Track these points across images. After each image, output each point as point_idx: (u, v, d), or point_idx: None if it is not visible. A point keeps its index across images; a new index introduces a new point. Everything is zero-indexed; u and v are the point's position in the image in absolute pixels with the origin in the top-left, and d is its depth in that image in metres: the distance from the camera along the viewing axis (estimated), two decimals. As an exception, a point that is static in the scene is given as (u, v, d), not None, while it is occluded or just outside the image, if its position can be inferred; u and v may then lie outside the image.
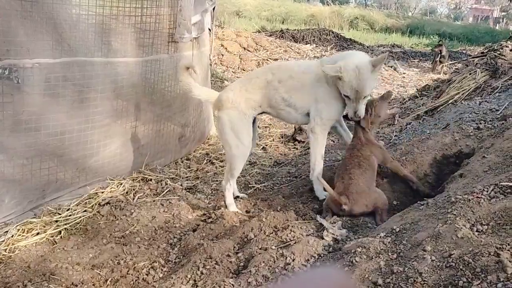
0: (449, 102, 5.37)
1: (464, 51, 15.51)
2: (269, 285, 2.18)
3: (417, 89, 7.52)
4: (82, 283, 2.49)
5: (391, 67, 11.41)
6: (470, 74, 5.78)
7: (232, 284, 2.26)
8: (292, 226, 2.75)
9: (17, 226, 2.98)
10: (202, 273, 2.42)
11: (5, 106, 2.84)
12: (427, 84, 7.69)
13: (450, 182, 2.93)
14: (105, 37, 3.43)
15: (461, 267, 1.85)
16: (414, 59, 13.01)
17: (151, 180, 3.87)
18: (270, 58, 10.75)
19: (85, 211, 3.28)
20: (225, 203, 3.32)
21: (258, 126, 5.98)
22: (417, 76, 10.95)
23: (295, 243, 2.53)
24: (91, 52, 3.31)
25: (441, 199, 2.54)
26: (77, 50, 3.20)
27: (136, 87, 3.72)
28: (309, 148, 5.02)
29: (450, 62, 11.66)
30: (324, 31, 15.19)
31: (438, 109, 5.35)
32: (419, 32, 22.26)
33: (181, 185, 3.83)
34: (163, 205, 3.46)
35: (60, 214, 3.19)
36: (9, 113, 2.89)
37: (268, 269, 2.33)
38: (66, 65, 3.12)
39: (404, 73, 11.14)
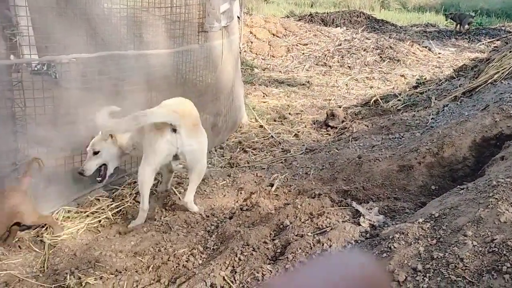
0: (488, 82, 5.17)
1: (503, 28, 14.76)
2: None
3: (453, 70, 7.26)
4: (126, 270, 2.58)
5: (426, 47, 11.04)
6: (510, 52, 5.53)
7: (270, 270, 2.29)
8: (327, 213, 2.75)
9: (61, 216, 3.11)
10: (240, 259, 2.46)
11: (45, 101, 2.95)
12: (464, 64, 7.41)
13: (491, 165, 2.85)
14: (137, 30, 3.50)
15: (504, 252, 1.81)
16: (450, 38, 12.52)
17: (186, 169, 3.92)
18: (299, 43, 10.62)
19: (124, 200, 3.39)
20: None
21: (289, 113, 5.96)
22: (453, 56, 10.56)
23: (331, 229, 2.53)
24: (124, 45, 3.38)
25: (481, 183, 2.47)
26: (111, 44, 3.28)
27: (168, 78, 3.78)
28: (341, 134, 5.00)
29: (488, 40, 11.23)
30: (354, 13, 14.78)
31: (477, 90, 5.16)
32: (454, 9, 21.35)
33: (216, 173, 3.88)
34: (198, 193, 3.52)
35: (101, 203, 3.30)
36: (49, 107, 3.00)
37: (305, 255, 2.34)
38: (101, 59, 3.20)
39: (439, 53, 10.76)
